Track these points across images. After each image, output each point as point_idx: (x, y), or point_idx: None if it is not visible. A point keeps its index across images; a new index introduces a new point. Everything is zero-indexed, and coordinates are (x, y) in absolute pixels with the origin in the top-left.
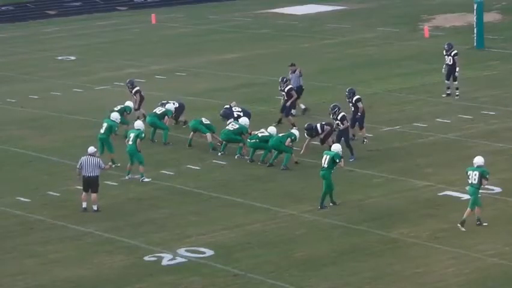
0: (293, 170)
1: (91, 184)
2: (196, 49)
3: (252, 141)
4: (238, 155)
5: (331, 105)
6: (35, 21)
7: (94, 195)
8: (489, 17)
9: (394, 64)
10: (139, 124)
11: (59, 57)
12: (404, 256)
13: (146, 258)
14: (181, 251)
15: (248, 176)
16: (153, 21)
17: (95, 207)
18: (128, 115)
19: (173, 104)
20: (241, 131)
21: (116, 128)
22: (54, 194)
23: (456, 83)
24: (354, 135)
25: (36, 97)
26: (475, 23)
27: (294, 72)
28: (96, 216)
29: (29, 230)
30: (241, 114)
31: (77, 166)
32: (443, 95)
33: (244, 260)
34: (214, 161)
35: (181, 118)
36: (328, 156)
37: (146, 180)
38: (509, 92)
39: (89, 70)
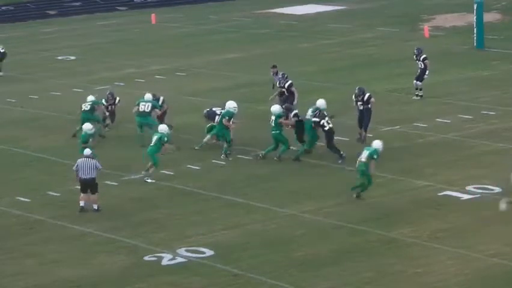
0: (293, 170)
1: (88, 186)
2: (196, 49)
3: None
4: (223, 154)
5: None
6: (35, 21)
7: (93, 196)
8: (489, 17)
9: (394, 64)
10: (163, 128)
11: (59, 57)
12: (404, 256)
13: (146, 258)
14: (181, 251)
15: (248, 176)
16: (153, 21)
17: (95, 207)
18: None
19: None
20: (227, 116)
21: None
22: (54, 194)
23: (420, 83)
24: (361, 135)
25: (36, 97)
26: (475, 23)
27: (276, 74)
28: (96, 216)
29: (29, 230)
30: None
31: (74, 168)
32: (414, 98)
33: (244, 260)
34: (214, 161)
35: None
36: (367, 152)
37: (149, 180)
38: (509, 92)
39: (89, 70)
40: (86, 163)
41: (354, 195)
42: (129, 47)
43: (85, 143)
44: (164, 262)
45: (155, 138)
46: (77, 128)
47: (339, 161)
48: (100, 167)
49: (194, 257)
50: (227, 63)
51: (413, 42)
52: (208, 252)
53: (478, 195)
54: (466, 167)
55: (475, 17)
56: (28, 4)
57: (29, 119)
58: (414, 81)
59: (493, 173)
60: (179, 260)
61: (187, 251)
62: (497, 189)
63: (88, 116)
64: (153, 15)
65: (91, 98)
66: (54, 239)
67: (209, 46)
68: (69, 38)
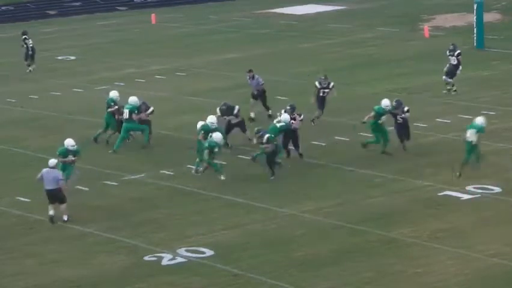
0: (293, 170)
1: (54, 197)
2: (196, 49)
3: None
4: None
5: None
6: (35, 21)
7: (62, 206)
8: (489, 17)
9: (394, 64)
10: (216, 136)
11: (59, 57)
12: (404, 256)
13: (146, 258)
14: (181, 251)
15: (248, 176)
16: (153, 21)
17: (65, 218)
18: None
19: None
20: (209, 146)
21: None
22: None
23: (451, 80)
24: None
25: (36, 97)
26: (475, 23)
27: (252, 78)
28: (96, 216)
29: (29, 230)
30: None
31: (38, 177)
32: (444, 91)
33: (244, 260)
34: (214, 161)
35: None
36: (473, 130)
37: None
38: (509, 92)
39: (89, 70)
40: (49, 174)
41: (458, 174)
42: (129, 47)
43: (63, 156)
44: (164, 262)
45: (206, 145)
46: (100, 131)
47: (272, 178)
48: (61, 179)
49: (194, 257)
50: (227, 63)
51: (413, 42)
52: (208, 252)
53: (478, 195)
54: (466, 167)
55: (475, 17)
56: (28, 4)
57: (29, 119)
58: (449, 79)
59: (493, 173)
60: (179, 260)
61: (187, 251)
62: (497, 189)
63: (107, 115)
64: (153, 15)
65: (113, 94)
66: (54, 239)
67: (209, 46)
68: (69, 38)
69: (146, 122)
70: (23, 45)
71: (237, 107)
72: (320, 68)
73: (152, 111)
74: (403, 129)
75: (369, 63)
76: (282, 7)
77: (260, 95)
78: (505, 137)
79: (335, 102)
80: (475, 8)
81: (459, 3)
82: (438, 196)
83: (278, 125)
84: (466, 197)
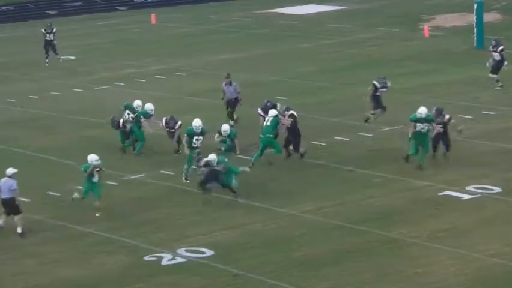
0: (293, 170)
1: (7, 207)
2: (196, 49)
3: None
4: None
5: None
6: (35, 21)
7: (16, 218)
8: (489, 17)
9: (394, 64)
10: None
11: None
12: (404, 256)
13: (146, 258)
14: (181, 251)
15: (248, 176)
16: (153, 21)
17: (19, 230)
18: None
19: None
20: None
21: None
22: (54, 194)
23: (496, 76)
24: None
25: (36, 97)
26: (475, 23)
27: (230, 84)
28: (96, 216)
29: (29, 230)
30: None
31: None
32: (497, 88)
33: (244, 260)
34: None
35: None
36: None
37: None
38: (509, 92)
39: (89, 70)
40: (5, 184)
41: None
42: (129, 47)
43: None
44: (164, 262)
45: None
46: (127, 141)
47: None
48: (14, 188)
49: (194, 257)
50: (227, 63)
51: (413, 42)
52: (208, 252)
53: (478, 195)
54: (466, 167)
55: (475, 17)
56: (28, 4)
57: (29, 119)
58: (494, 75)
59: (493, 173)
60: (179, 260)
61: (187, 251)
62: (497, 189)
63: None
64: (153, 15)
65: (137, 103)
66: (54, 239)
67: (209, 46)
68: (69, 38)
69: (172, 134)
70: (52, 38)
71: (278, 105)
72: (319, 67)
73: (180, 125)
74: (442, 138)
75: (369, 63)
76: (282, 7)
77: (234, 103)
78: (505, 137)
79: (336, 102)
80: (475, 8)
81: (459, 3)
82: (438, 196)
83: (269, 122)
84: (466, 197)
